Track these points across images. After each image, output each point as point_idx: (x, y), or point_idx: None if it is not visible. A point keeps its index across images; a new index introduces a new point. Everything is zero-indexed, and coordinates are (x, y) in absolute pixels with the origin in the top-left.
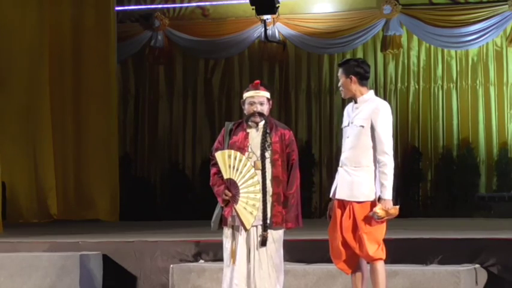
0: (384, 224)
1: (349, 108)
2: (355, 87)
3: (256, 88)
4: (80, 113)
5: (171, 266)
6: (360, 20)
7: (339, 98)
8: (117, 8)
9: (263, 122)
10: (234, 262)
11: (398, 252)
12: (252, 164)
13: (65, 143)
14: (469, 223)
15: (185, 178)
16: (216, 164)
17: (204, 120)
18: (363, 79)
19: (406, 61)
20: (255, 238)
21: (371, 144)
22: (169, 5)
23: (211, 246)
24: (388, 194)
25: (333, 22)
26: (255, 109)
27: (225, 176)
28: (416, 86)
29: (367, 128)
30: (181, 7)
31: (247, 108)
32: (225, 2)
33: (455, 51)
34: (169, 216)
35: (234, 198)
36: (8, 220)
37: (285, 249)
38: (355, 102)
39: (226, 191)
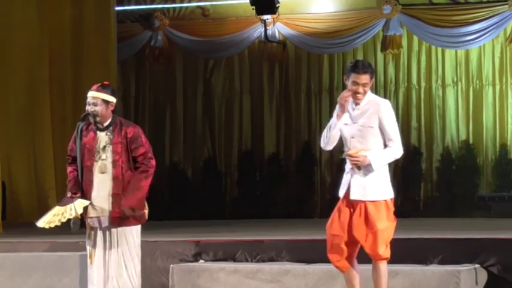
0: (394, 225)
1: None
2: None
3: (94, 90)
4: (80, 113)
5: (171, 266)
6: (360, 20)
7: None
8: (117, 8)
9: (108, 123)
10: (92, 263)
11: (398, 252)
12: (99, 167)
13: (65, 143)
14: (469, 223)
15: (185, 178)
16: (71, 164)
17: (204, 120)
18: None
19: (406, 61)
20: (108, 239)
21: (381, 142)
22: (169, 5)
23: (211, 246)
24: (375, 162)
25: (333, 22)
26: (87, 109)
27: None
28: (417, 86)
29: (376, 128)
30: (181, 7)
31: (86, 108)
32: (225, 2)
33: (455, 51)
34: (169, 216)
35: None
36: (8, 220)
37: (285, 249)
38: (357, 104)
39: (69, 193)
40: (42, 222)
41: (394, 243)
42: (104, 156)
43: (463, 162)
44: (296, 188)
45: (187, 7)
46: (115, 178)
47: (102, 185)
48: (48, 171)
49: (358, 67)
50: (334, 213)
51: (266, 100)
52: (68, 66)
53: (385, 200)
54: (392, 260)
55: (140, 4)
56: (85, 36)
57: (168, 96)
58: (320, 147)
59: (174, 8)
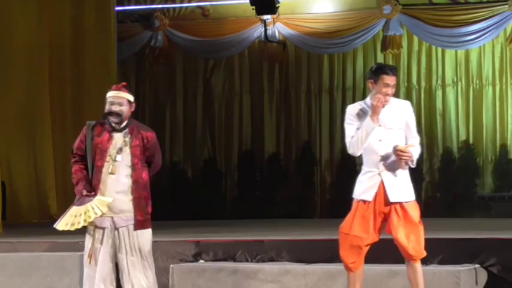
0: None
1: (366, 109)
2: None
3: (116, 89)
4: (80, 113)
5: (171, 266)
6: (360, 20)
7: (339, 98)
8: (117, 8)
9: (124, 124)
10: (90, 262)
11: (399, 252)
12: (110, 168)
13: (64, 143)
14: (469, 223)
15: (185, 178)
16: (78, 162)
17: (204, 120)
18: None
19: (406, 61)
20: (124, 239)
21: (404, 142)
22: (169, 5)
23: (211, 246)
24: (415, 157)
25: (333, 22)
26: (113, 109)
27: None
28: (417, 86)
29: (402, 129)
30: (181, 7)
31: (106, 108)
32: (225, 2)
33: (455, 51)
34: (169, 216)
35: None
36: (8, 220)
37: (285, 249)
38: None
39: (85, 191)
40: (62, 225)
41: (394, 244)
42: (118, 158)
43: (463, 162)
44: (296, 188)
45: (187, 7)
46: (135, 181)
47: (114, 186)
48: (48, 171)
49: (388, 69)
50: (354, 215)
51: (266, 100)
52: (68, 66)
53: (415, 200)
54: (393, 260)
55: (140, 4)
56: (85, 36)
57: (168, 96)
58: (320, 147)
59: (174, 8)
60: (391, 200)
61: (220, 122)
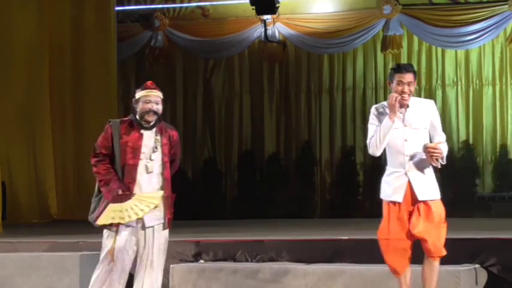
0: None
1: (386, 109)
2: None
3: (151, 88)
4: (80, 113)
5: (171, 266)
6: (360, 20)
7: (339, 98)
8: (117, 8)
9: (153, 122)
10: (113, 260)
11: None
12: (144, 166)
13: (65, 143)
14: (469, 223)
15: (185, 178)
16: (102, 162)
17: (204, 120)
18: None
19: (406, 61)
20: (150, 238)
21: (428, 141)
22: (169, 5)
23: (211, 246)
24: (445, 155)
25: (333, 22)
26: (150, 107)
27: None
28: (417, 87)
29: (427, 129)
30: (181, 7)
31: (141, 107)
32: (225, 2)
33: (455, 51)
34: None
35: (127, 196)
36: (8, 220)
37: (285, 249)
38: (408, 106)
39: (119, 190)
40: (103, 220)
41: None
42: (153, 157)
43: (463, 162)
44: (296, 188)
45: (187, 7)
46: (166, 179)
47: (148, 185)
48: (48, 171)
49: (401, 67)
50: (389, 219)
51: (266, 100)
52: (68, 66)
53: (440, 199)
54: None
55: (140, 4)
56: (85, 36)
57: (168, 96)
58: (320, 147)
59: (174, 8)
60: (420, 198)
61: (220, 122)
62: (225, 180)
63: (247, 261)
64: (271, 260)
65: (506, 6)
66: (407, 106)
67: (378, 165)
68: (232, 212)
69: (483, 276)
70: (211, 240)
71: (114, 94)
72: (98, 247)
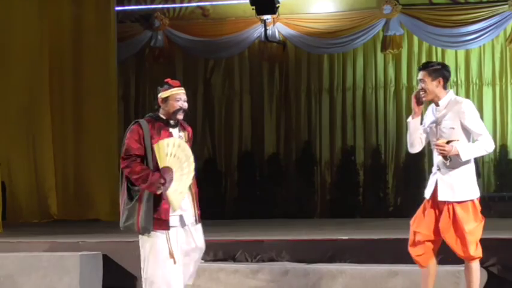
0: (482, 224)
1: (433, 109)
2: (438, 90)
3: (180, 86)
4: (80, 113)
5: None
6: (360, 20)
7: (339, 98)
8: (117, 8)
9: (177, 120)
10: (175, 262)
11: (398, 252)
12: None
13: (65, 143)
14: None
15: None
16: (134, 161)
17: (204, 120)
18: (446, 82)
19: (406, 61)
20: (191, 235)
21: (466, 141)
22: (169, 5)
23: (211, 246)
24: (463, 151)
25: (333, 22)
26: (181, 105)
27: (161, 165)
28: (417, 87)
29: (458, 129)
30: (181, 7)
31: (172, 105)
32: (225, 2)
33: (455, 51)
34: None
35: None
36: (8, 220)
37: (285, 249)
38: (437, 105)
39: (161, 180)
40: (176, 204)
41: (394, 243)
42: None
43: None
44: (296, 188)
45: (187, 7)
46: (193, 176)
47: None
48: (48, 171)
49: (420, 66)
50: (420, 211)
51: (266, 100)
52: (68, 67)
53: (472, 200)
54: (393, 260)
55: (140, 4)
56: (85, 36)
57: None
58: (320, 147)
59: (174, 8)
60: (438, 198)
61: (220, 122)
62: (225, 180)
63: (247, 261)
64: (271, 260)
65: (506, 6)
66: (437, 105)
67: (378, 165)
68: (232, 212)
69: (483, 276)
70: (211, 240)
71: (114, 94)
72: (98, 247)
